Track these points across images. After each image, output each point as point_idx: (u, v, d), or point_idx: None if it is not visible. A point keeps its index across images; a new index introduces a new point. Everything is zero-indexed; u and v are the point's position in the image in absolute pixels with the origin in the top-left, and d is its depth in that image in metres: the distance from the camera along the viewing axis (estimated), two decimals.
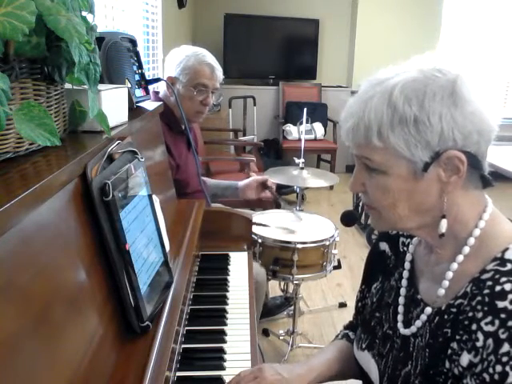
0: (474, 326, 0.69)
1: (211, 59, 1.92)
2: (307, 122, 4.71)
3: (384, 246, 0.96)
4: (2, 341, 0.51)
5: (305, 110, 2.85)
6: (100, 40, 1.17)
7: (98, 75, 0.85)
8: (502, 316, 0.66)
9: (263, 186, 2.10)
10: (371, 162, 0.74)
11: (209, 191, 2.00)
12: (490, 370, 0.65)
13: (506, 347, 0.64)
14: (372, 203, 0.78)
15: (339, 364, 0.99)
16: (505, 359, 0.64)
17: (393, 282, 0.90)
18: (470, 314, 0.70)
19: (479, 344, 0.67)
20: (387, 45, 5.12)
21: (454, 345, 0.72)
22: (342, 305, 2.69)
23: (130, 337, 0.82)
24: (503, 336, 0.65)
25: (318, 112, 5.10)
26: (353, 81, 5.38)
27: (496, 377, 0.65)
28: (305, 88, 5.37)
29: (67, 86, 0.87)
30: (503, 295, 0.67)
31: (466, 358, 0.69)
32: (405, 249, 0.91)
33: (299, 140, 4.54)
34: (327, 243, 1.96)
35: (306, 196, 4.54)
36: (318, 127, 5.00)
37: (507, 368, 0.64)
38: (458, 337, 0.71)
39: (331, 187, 4.81)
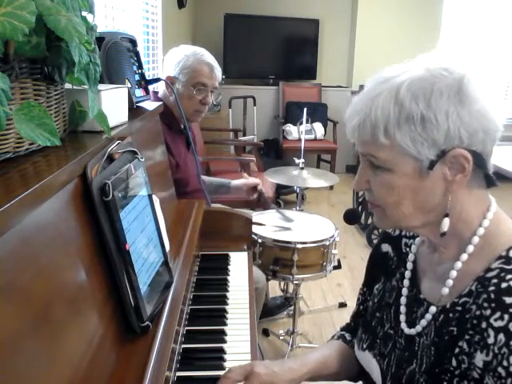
0: (483, 324, 0.69)
1: (210, 58, 1.92)
2: (307, 122, 4.70)
3: (386, 247, 0.96)
4: (2, 341, 0.51)
5: (305, 110, 2.85)
6: (100, 40, 1.17)
7: (97, 75, 0.85)
8: (511, 311, 0.66)
9: (254, 189, 2.13)
10: (377, 160, 0.74)
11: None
12: (505, 363, 0.65)
13: None
14: (376, 201, 0.78)
15: (335, 363, 0.98)
16: None
17: (394, 282, 0.90)
18: (478, 313, 0.70)
19: (490, 341, 0.67)
20: (387, 45, 5.12)
21: (464, 344, 0.72)
22: (342, 305, 2.69)
23: (130, 337, 0.82)
24: None
25: (318, 112, 5.10)
26: (353, 81, 5.38)
27: (511, 369, 0.65)
28: (305, 88, 5.37)
29: (67, 86, 0.87)
30: (510, 291, 0.67)
31: (479, 359, 0.69)
32: (407, 249, 0.91)
33: (299, 140, 4.54)
34: (327, 243, 1.96)
35: (306, 196, 4.54)
36: (318, 127, 5.00)
37: None
38: (467, 336, 0.71)
39: (331, 187, 4.81)
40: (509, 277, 0.69)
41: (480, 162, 0.72)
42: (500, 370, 0.66)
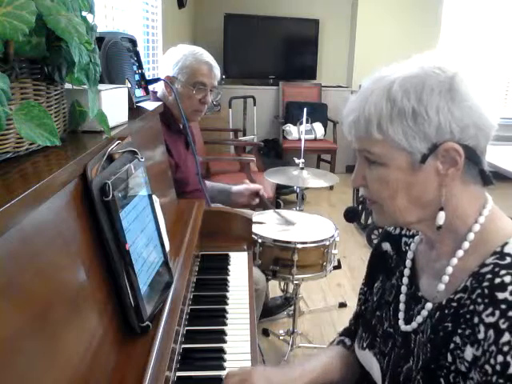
0: (475, 319, 0.69)
1: (209, 58, 1.92)
2: (307, 122, 4.70)
3: (386, 246, 0.96)
4: (2, 341, 0.51)
5: (305, 110, 2.84)
6: (100, 40, 1.17)
7: (97, 75, 0.85)
8: (503, 307, 0.66)
9: (255, 194, 2.12)
10: (371, 155, 0.76)
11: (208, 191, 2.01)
12: (492, 361, 0.66)
13: (506, 337, 0.65)
14: (372, 196, 0.80)
15: (335, 371, 0.98)
16: (505, 349, 0.64)
17: (394, 280, 0.91)
18: (471, 308, 0.71)
19: (481, 336, 0.68)
20: (387, 45, 5.12)
21: (457, 339, 0.72)
22: (342, 305, 2.69)
23: (130, 337, 0.82)
24: (503, 326, 0.65)
25: (318, 112, 5.10)
26: (353, 81, 5.38)
27: (498, 367, 0.65)
28: (305, 88, 5.37)
29: (67, 86, 0.87)
30: (503, 287, 0.68)
31: (469, 353, 0.69)
32: (407, 248, 0.91)
33: (299, 140, 4.54)
34: (327, 243, 1.96)
35: (306, 196, 4.54)
36: (318, 127, 5.00)
37: (508, 358, 0.64)
38: (460, 331, 0.72)
39: (331, 187, 4.81)
40: (502, 272, 0.69)
41: (473, 156, 0.73)
42: (487, 367, 0.66)
